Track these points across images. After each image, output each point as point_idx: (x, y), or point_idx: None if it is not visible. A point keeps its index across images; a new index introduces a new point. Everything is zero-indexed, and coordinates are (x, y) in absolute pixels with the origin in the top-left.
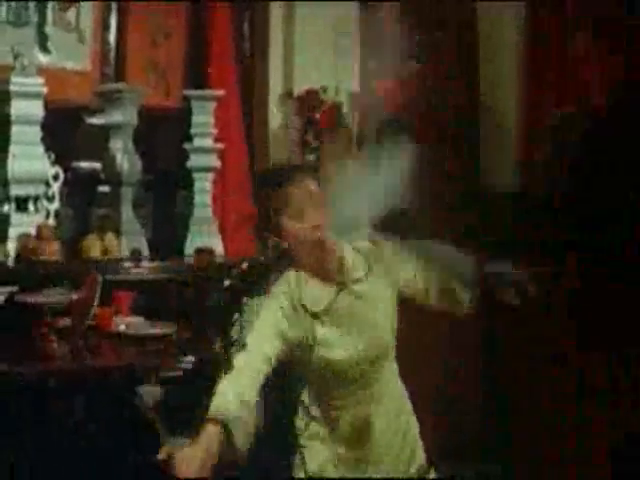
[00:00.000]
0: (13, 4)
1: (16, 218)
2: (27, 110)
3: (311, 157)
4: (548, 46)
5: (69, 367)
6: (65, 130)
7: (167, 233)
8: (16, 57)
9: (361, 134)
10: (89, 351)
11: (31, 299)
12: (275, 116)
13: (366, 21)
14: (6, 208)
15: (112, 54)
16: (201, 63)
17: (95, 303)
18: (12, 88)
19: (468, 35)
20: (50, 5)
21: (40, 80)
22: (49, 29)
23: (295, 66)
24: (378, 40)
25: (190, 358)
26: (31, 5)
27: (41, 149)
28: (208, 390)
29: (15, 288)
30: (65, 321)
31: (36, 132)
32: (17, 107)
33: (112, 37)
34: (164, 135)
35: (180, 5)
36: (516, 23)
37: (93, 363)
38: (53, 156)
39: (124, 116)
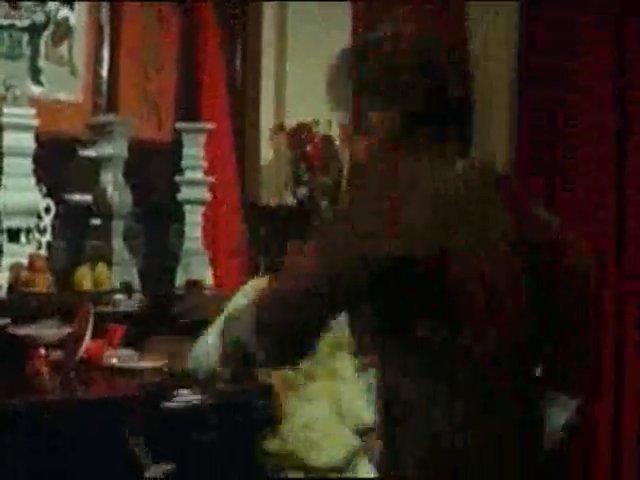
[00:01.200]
0: (6, 38)
1: (8, 248)
2: (19, 142)
3: (302, 191)
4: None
5: (61, 400)
6: (57, 162)
7: (158, 265)
8: (8, 89)
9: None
10: (81, 384)
11: (23, 332)
12: (266, 149)
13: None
14: None
15: (104, 87)
16: (193, 96)
17: (87, 336)
18: (4, 120)
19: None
20: (43, 39)
21: (32, 112)
22: (42, 62)
23: (287, 99)
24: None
25: (182, 391)
26: (24, 39)
27: (33, 181)
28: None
29: (7, 320)
30: (57, 354)
31: (28, 164)
32: (9, 139)
33: (104, 70)
34: (156, 168)
35: (172, 39)
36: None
37: (85, 396)
38: (45, 188)
39: (115, 148)
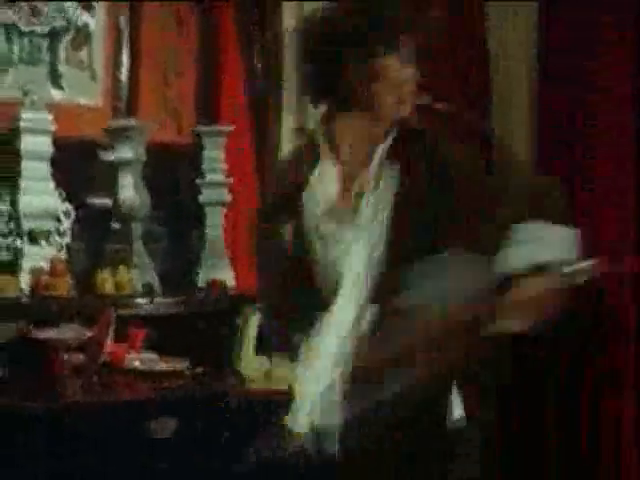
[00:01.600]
0: (26, 44)
1: (28, 251)
2: (37, 146)
3: None
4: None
5: (82, 403)
6: (77, 166)
7: (181, 267)
8: (25, 93)
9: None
10: (102, 387)
11: (44, 335)
12: (287, 152)
13: None
14: (18, 242)
15: (124, 91)
16: (213, 100)
17: (108, 340)
18: (22, 124)
19: (480, 68)
20: (63, 44)
21: (49, 116)
22: (62, 67)
23: (308, 102)
24: None
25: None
26: (44, 45)
27: (51, 185)
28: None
29: (28, 324)
30: (79, 357)
31: (46, 168)
32: (27, 143)
33: (124, 75)
34: (177, 170)
35: (191, 42)
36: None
37: (106, 399)
38: (64, 192)
39: (134, 152)
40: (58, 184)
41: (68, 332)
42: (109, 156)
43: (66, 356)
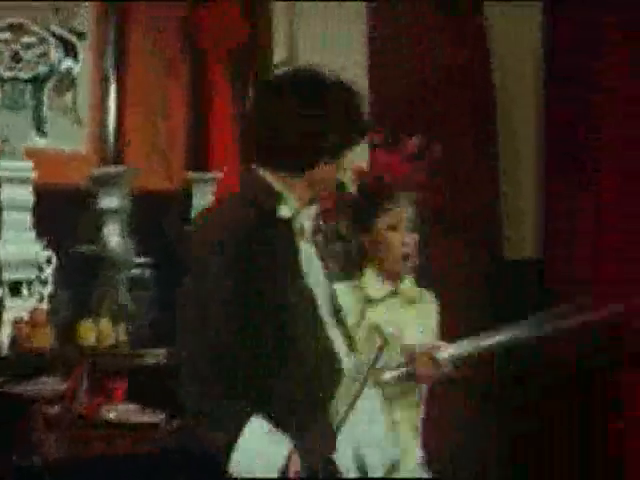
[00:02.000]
0: (8, 90)
1: (9, 302)
2: (17, 196)
3: (319, 238)
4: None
5: (57, 457)
6: (61, 214)
7: (169, 316)
8: (4, 141)
9: None
10: (77, 441)
11: (19, 389)
12: None
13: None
14: None
15: (111, 136)
16: (203, 142)
17: (82, 392)
18: (1, 174)
19: (484, 105)
20: (47, 90)
21: (29, 164)
22: (46, 113)
23: None
24: (385, 113)
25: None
26: (27, 91)
27: (32, 234)
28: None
29: (5, 378)
30: (54, 410)
31: (27, 217)
32: (6, 192)
33: (111, 119)
34: (165, 217)
35: (180, 86)
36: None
37: (81, 453)
38: (47, 240)
39: (120, 200)
40: (41, 232)
41: (43, 385)
42: (95, 204)
43: (42, 409)
